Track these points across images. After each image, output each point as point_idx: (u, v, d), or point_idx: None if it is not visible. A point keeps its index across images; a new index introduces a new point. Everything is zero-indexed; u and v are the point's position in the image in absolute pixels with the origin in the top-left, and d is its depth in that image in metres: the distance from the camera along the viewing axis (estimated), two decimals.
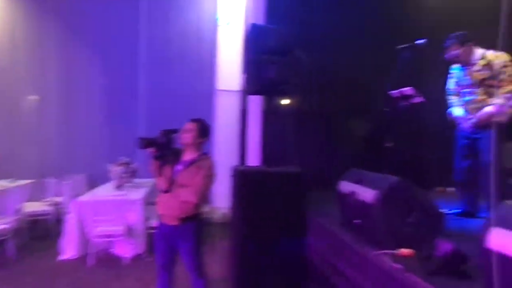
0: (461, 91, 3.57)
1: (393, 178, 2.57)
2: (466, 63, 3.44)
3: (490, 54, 3.32)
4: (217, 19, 6.24)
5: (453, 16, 5.17)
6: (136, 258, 4.30)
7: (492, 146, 3.14)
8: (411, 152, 4.86)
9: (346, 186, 3.01)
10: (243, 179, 3.01)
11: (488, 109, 3.29)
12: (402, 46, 3.40)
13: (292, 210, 2.99)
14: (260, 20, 4.16)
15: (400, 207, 2.49)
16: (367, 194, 2.63)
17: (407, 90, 3.49)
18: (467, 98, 3.51)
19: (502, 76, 3.22)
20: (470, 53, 3.40)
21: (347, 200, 2.93)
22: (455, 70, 3.62)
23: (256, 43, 3.23)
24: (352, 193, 2.84)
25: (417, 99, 3.50)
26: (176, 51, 6.44)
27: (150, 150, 2.64)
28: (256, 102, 4.15)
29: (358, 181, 2.84)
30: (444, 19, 5.11)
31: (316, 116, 4.89)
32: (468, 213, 3.54)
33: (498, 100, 3.24)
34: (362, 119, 5.26)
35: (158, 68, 6.41)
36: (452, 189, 4.90)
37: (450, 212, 3.55)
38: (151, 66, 6.42)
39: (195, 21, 6.51)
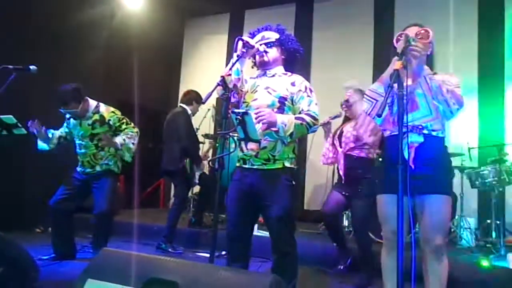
0: (77, 141, 3.41)
1: None
2: (83, 117, 3.35)
3: (104, 110, 3.38)
4: None
5: None
6: None
7: (108, 194, 3.33)
8: (8, 191, 4.16)
9: None
10: None
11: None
12: (14, 67, 2.61)
13: None
14: None
15: None
16: None
17: (8, 118, 2.88)
18: (82, 150, 3.38)
19: (122, 128, 3.40)
20: (87, 107, 3.33)
21: None
22: (71, 121, 3.42)
23: None
24: None
25: (27, 130, 3.04)
26: None
27: None
28: None
29: None
30: None
31: None
32: (64, 255, 3.32)
33: (118, 139, 3.34)
34: None
35: None
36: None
37: (45, 258, 3.25)
38: None
39: None
